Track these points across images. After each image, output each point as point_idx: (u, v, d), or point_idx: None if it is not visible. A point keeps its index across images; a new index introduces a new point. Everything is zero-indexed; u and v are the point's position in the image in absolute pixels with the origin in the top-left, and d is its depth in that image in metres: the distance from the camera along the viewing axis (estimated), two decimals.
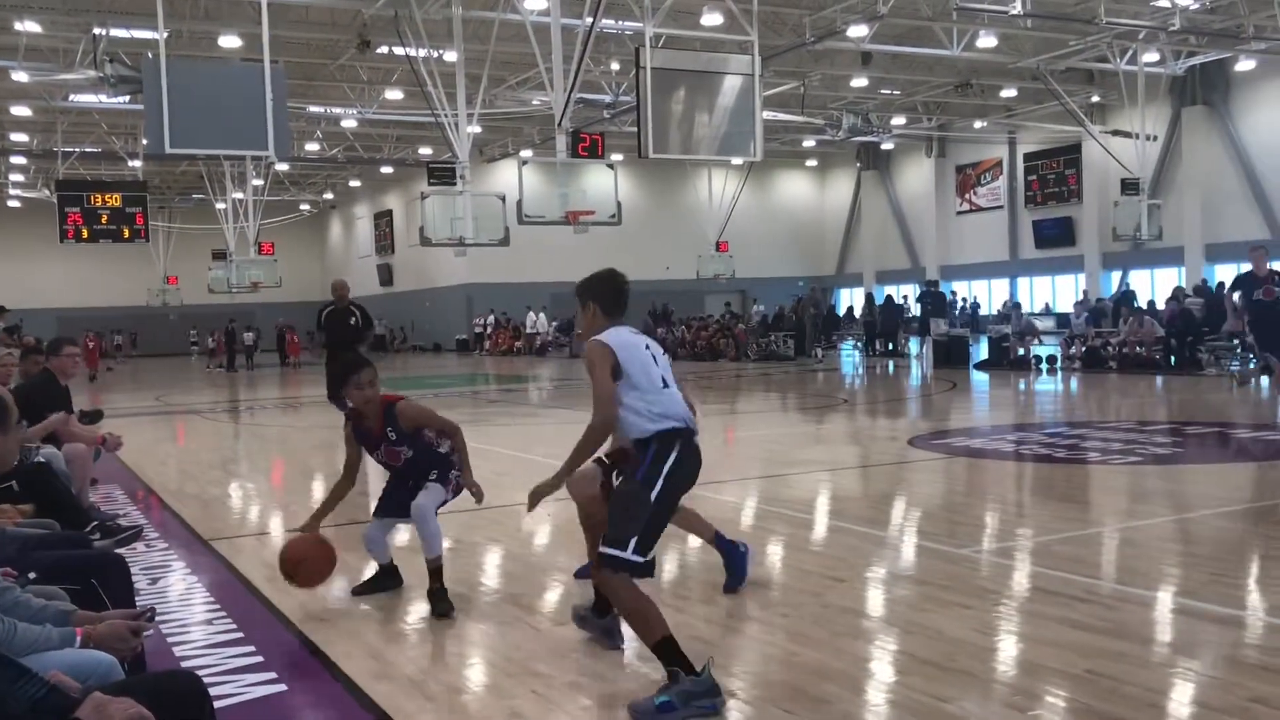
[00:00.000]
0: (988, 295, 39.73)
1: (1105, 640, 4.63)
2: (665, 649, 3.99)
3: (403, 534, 6.57)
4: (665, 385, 4.40)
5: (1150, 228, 27.98)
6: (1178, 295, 23.41)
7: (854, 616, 5.20)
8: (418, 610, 5.52)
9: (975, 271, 40.08)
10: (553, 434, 13.98)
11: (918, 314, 30.78)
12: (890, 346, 30.33)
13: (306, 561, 5.43)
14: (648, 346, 4.50)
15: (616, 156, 27.56)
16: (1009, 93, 32.35)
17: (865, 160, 43.82)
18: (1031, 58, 27.42)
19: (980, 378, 21.97)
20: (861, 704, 4.07)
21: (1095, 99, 32.47)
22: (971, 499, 8.88)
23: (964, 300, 37.48)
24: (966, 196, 40.90)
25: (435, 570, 5.49)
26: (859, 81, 30.47)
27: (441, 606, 5.37)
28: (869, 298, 35.75)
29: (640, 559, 4.03)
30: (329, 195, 52.60)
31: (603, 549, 4.07)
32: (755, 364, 29.50)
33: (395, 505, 5.73)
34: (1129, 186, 28.29)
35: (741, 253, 38.55)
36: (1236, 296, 13.20)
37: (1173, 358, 21.29)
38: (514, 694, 4.25)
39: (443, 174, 21.67)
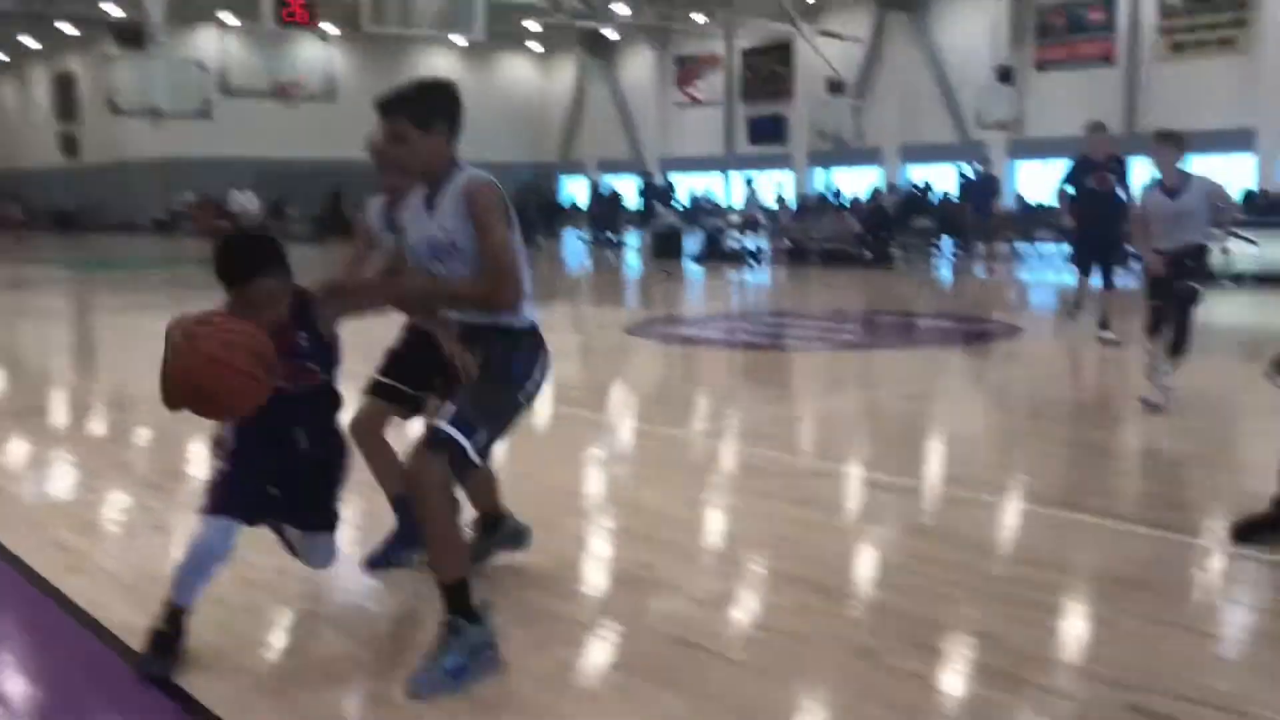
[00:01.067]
0: (705, 186, 40.92)
1: (795, 509, 5.02)
2: (459, 591, 3.26)
3: None
4: None
5: (854, 128, 29.52)
6: (875, 194, 24.97)
7: (567, 495, 5.37)
8: (118, 502, 5.23)
9: (694, 165, 41.08)
10: None
11: (639, 206, 31.34)
12: (611, 236, 30.77)
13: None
14: None
15: (333, 30, 26.17)
16: None
17: (589, 47, 43.71)
18: None
19: (696, 268, 22.75)
20: (574, 576, 4.23)
21: None
22: (683, 383, 9.28)
23: (699, 196, 38.44)
24: (687, 89, 41.67)
25: None
26: None
27: None
28: (592, 186, 36.05)
29: (477, 461, 3.28)
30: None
31: (444, 425, 3.21)
32: None
33: None
34: (835, 87, 29.65)
35: (464, 136, 37.80)
36: (1068, 187, 10.64)
37: (868, 252, 22.77)
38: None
39: (130, 36, 19.83)
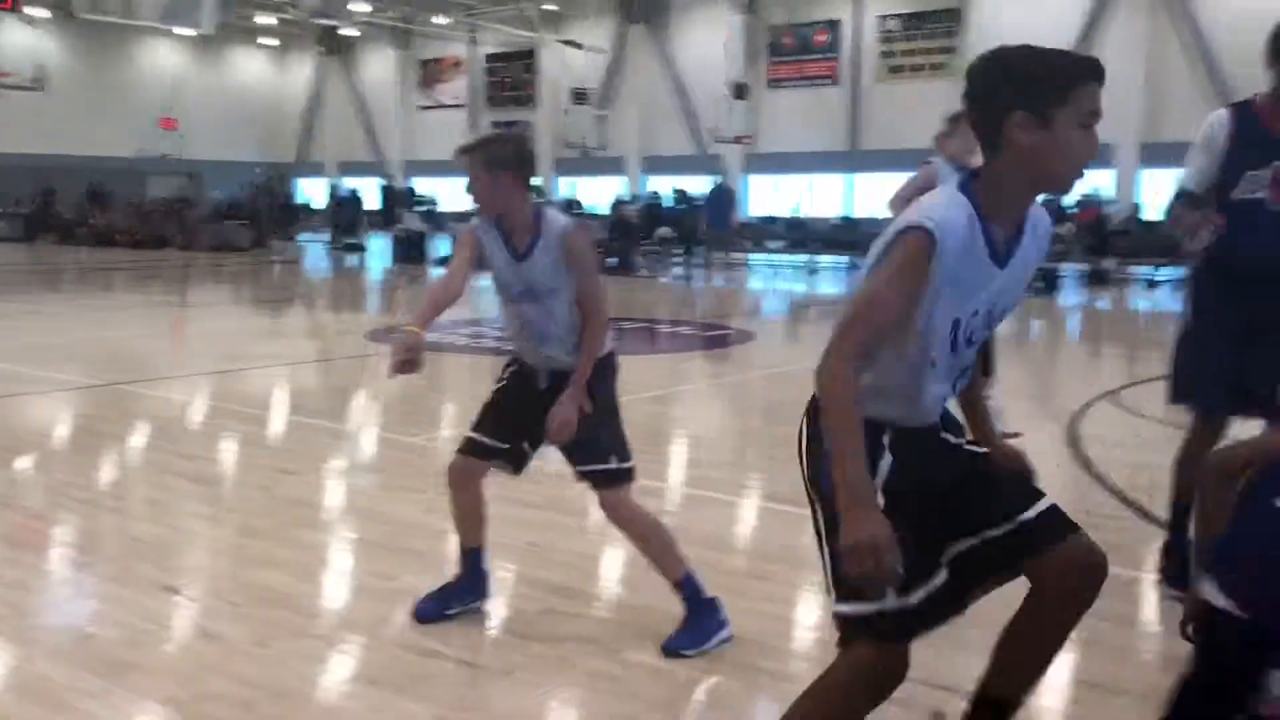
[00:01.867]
0: (449, 190, 40.54)
1: (541, 514, 5.05)
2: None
3: None
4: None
5: (598, 137, 29.99)
6: (618, 203, 25.47)
7: (305, 507, 5.20)
8: None
9: (437, 168, 40.60)
10: None
11: (380, 208, 30.75)
12: (352, 240, 30.01)
13: None
14: None
15: (41, 13, 24.25)
16: None
17: (327, 45, 42.42)
18: None
19: (441, 272, 22.46)
20: (310, 587, 4.11)
21: (552, 7, 33.92)
22: (427, 390, 9.15)
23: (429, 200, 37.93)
24: (430, 92, 41.15)
25: None
26: None
27: None
28: (331, 188, 35.03)
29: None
30: None
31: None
32: (207, 254, 27.81)
33: None
34: (578, 96, 30.04)
35: (193, 132, 35.86)
36: None
37: (614, 259, 23.22)
38: None
39: None
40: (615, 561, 4.51)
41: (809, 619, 3.90)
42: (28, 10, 21.28)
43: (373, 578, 4.23)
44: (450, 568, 4.36)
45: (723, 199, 19.07)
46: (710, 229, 19.47)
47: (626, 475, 3.70)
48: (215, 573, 4.31)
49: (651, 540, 3.71)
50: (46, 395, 8.08)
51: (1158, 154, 24.82)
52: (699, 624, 3.61)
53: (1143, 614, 4.05)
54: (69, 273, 21.85)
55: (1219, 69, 24.40)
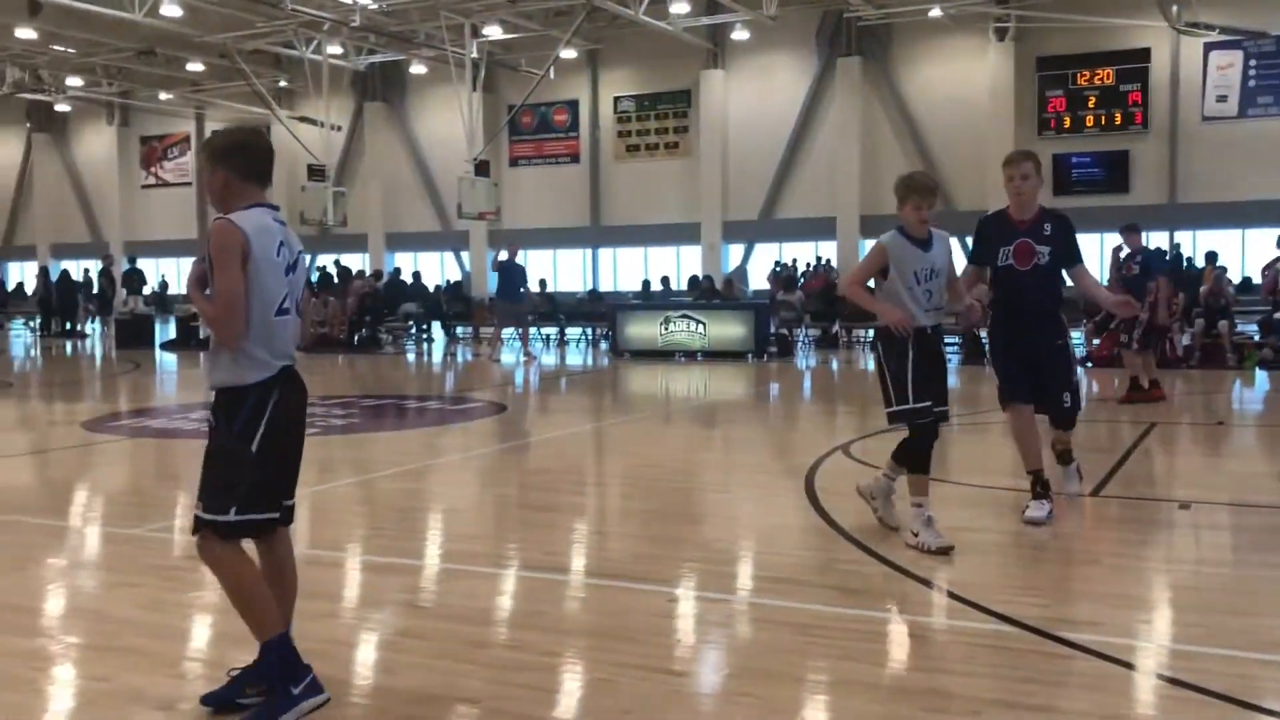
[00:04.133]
0: (176, 272, 38.49)
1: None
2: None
3: None
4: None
5: (336, 214, 29.32)
6: (364, 279, 24.92)
7: (6, 610, 4.68)
8: None
9: (165, 249, 38.57)
10: None
11: (96, 291, 28.88)
12: (68, 325, 27.97)
13: None
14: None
15: None
16: (196, 66, 31.57)
17: (36, 121, 39.69)
18: (219, 33, 27.08)
19: (168, 357, 21.22)
20: (10, 699, 3.66)
21: (283, 83, 33.10)
22: (155, 479, 8.54)
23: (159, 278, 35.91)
24: (153, 169, 39.15)
25: None
26: (26, 33, 27.46)
27: None
28: (43, 272, 32.60)
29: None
30: None
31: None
32: None
33: None
34: (315, 173, 29.34)
35: None
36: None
37: (356, 337, 22.64)
38: None
39: None
40: (368, 644, 4.28)
41: (562, 684, 3.80)
42: None
43: (89, 681, 3.82)
44: (182, 664, 4.02)
45: (513, 272, 19.08)
46: (501, 302, 19.42)
47: (213, 527, 3.47)
48: None
49: (241, 592, 3.51)
50: None
51: (874, 225, 26.66)
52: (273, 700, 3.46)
53: (891, 653, 4.18)
54: None
55: (926, 145, 26.55)
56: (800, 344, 21.36)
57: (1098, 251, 19.00)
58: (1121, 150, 24.87)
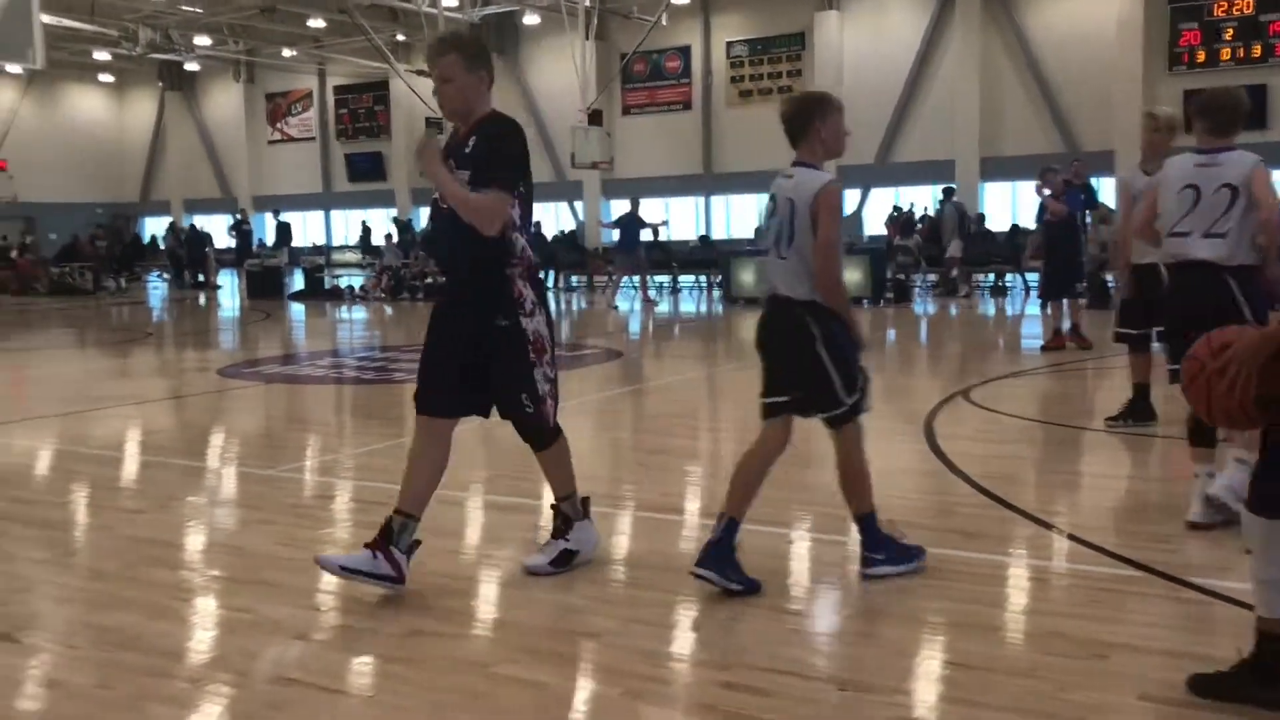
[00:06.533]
0: (303, 225, 39.60)
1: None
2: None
3: None
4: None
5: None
6: None
7: (153, 545, 4.94)
8: None
9: (290, 202, 39.67)
10: None
11: (233, 245, 29.95)
12: (199, 277, 29.10)
13: None
14: None
15: None
16: (316, 23, 32.20)
17: (169, 80, 41.04)
18: None
19: (296, 308, 21.92)
20: (173, 629, 3.88)
21: (400, 37, 33.55)
22: (286, 422, 8.87)
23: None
24: (278, 126, 40.20)
25: None
26: None
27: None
28: (172, 225, 33.94)
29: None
30: None
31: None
32: (47, 298, 26.55)
33: None
34: (432, 124, 29.74)
35: (27, 175, 34.27)
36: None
37: None
38: None
39: None
40: (485, 580, 4.42)
41: (672, 621, 3.86)
42: None
43: (234, 612, 4.03)
44: (312, 596, 4.20)
45: (634, 224, 19.65)
46: (621, 253, 20.10)
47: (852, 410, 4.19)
48: (57, 618, 4.05)
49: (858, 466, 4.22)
50: None
51: (995, 168, 25.88)
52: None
53: (1012, 597, 4.14)
54: None
55: (1048, 84, 25.62)
56: (917, 289, 20.99)
57: None
58: (1259, 84, 23.63)
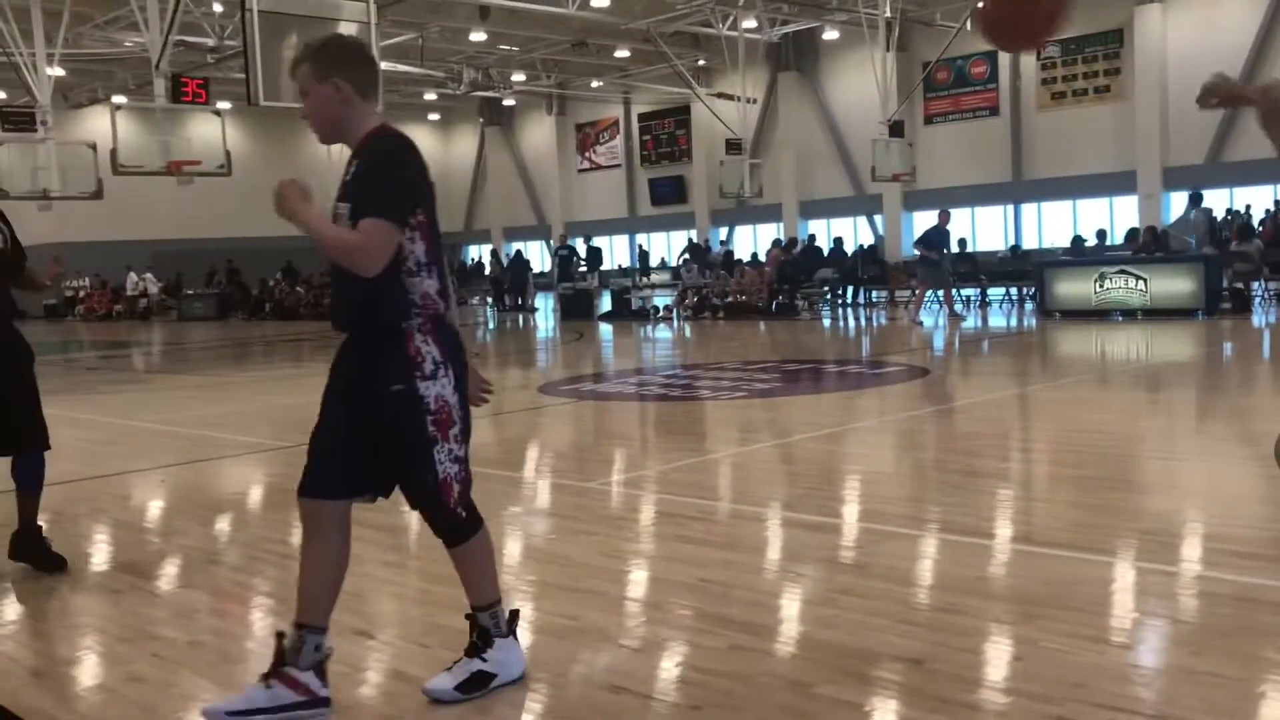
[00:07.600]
0: (609, 250, 41.23)
1: (717, 552, 5.00)
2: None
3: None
4: None
5: (752, 185, 30.09)
6: (784, 247, 25.49)
7: None
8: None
9: (598, 228, 41.44)
10: (162, 401, 13.10)
11: (547, 269, 31.69)
12: (519, 301, 30.84)
13: None
14: None
15: (224, 104, 25.93)
16: (622, 53, 33.52)
17: (488, 116, 43.95)
18: (643, 19, 28.56)
19: (605, 328, 22.82)
20: None
21: (701, 62, 34.34)
22: (599, 437, 9.25)
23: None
24: (587, 155, 42.09)
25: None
26: (478, 35, 30.45)
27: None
28: (494, 253, 36.13)
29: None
30: None
31: None
32: None
33: None
34: (733, 146, 30.24)
35: None
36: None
37: (774, 304, 23.16)
38: (131, 659, 3.97)
39: (19, 119, 19.56)
40: (796, 597, 4.43)
41: (996, 650, 3.72)
42: (220, 102, 22.83)
43: (556, 618, 4.24)
44: (630, 605, 4.35)
45: (942, 236, 19.46)
46: (924, 265, 20.01)
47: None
48: (405, 618, 4.41)
49: None
50: (240, 458, 8.50)
51: None
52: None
53: None
54: (257, 346, 23.07)
55: None
56: (1258, 299, 19.21)
57: None
58: None
